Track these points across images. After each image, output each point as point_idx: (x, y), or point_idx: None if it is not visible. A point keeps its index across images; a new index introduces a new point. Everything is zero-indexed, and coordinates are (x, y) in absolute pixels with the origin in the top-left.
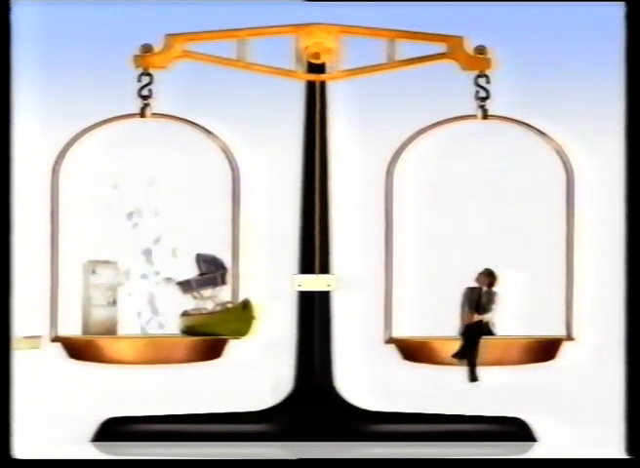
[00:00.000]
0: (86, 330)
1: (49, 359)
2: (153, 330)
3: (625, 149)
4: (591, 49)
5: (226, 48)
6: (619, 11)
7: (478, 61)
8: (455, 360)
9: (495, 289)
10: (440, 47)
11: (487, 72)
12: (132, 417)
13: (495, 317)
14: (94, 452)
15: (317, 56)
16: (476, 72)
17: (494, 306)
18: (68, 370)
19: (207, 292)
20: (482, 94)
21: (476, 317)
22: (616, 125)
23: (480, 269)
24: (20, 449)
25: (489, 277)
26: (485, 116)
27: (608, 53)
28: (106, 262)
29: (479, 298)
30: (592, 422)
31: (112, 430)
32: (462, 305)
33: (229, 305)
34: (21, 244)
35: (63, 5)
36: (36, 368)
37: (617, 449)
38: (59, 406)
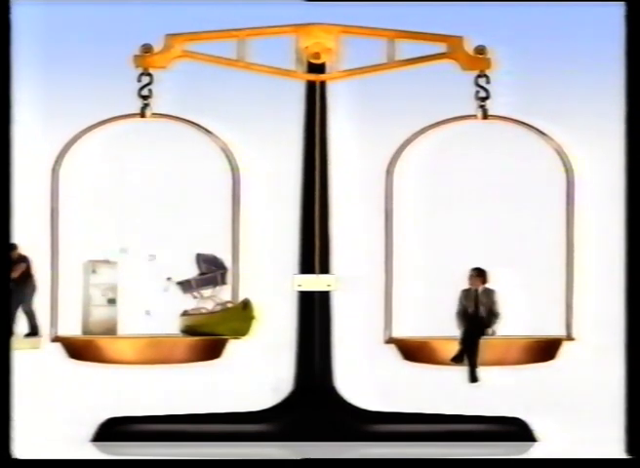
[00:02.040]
0: (86, 330)
1: (49, 359)
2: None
3: (625, 149)
4: (591, 49)
5: (226, 48)
6: (619, 11)
7: (478, 61)
8: (453, 363)
9: (490, 286)
10: (440, 47)
11: (487, 72)
12: (132, 417)
13: (500, 312)
14: (94, 452)
15: (317, 56)
16: (476, 72)
17: (495, 301)
18: (68, 371)
19: (207, 291)
20: (482, 94)
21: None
22: (616, 125)
23: (470, 271)
24: (20, 449)
25: (480, 276)
26: (485, 116)
27: (608, 53)
28: (106, 262)
29: (476, 299)
30: (592, 422)
31: (112, 430)
32: (459, 307)
33: (229, 305)
34: (21, 244)
35: (63, 5)
36: (36, 368)
37: (617, 449)
38: (59, 406)
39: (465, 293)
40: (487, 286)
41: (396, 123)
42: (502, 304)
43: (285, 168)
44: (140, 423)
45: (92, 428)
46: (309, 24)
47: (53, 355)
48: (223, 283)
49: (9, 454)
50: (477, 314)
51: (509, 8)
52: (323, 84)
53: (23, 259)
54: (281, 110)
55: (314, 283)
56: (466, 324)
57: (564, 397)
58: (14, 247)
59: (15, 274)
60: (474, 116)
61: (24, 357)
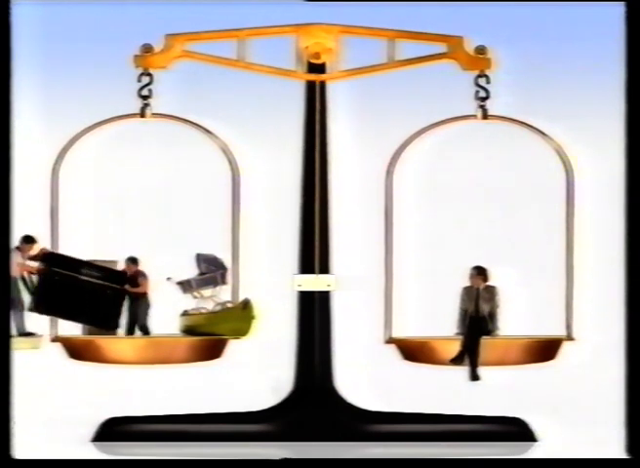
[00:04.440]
0: (86, 329)
1: (49, 359)
2: None
3: (625, 149)
4: (591, 49)
5: (226, 48)
6: (619, 11)
7: (478, 61)
8: (453, 365)
9: (491, 283)
10: (440, 47)
11: (487, 72)
12: (132, 417)
13: (500, 310)
14: (94, 452)
15: (317, 56)
16: (476, 72)
17: (497, 299)
18: (68, 371)
19: (207, 291)
20: (482, 94)
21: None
22: (616, 125)
23: (470, 270)
24: (20, 449)
25: (481, 274)
26: (485, 116)
27: (608, 53)
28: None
29: (477, 298)
30: (592, 422)
31: (112, 430)
32: (461, 306)
33: (229, 305)
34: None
35: (63, 5)
36: (36, 368)
37: (617, 449)
38: (59, 406)
39: (467, 291)
40: (488, 283)
41: (396, 123)
42: (503, 304)
43: (285, 168)
44: (140, 423)
45: (92, 428)
46: (309, 24)
47: (53, 355)
48: (223, 283)
49: (9, 454)
50: (478, 313)
51: (509, 8)
52: (323, 84)
53: (144, 276)
54: (281, 110)
55: (314, 283)
56: (468, 323)
57: (564, 397)
58: (135, 261)
59: (142, 289)
60: (474, 116)
61: (24, 357)
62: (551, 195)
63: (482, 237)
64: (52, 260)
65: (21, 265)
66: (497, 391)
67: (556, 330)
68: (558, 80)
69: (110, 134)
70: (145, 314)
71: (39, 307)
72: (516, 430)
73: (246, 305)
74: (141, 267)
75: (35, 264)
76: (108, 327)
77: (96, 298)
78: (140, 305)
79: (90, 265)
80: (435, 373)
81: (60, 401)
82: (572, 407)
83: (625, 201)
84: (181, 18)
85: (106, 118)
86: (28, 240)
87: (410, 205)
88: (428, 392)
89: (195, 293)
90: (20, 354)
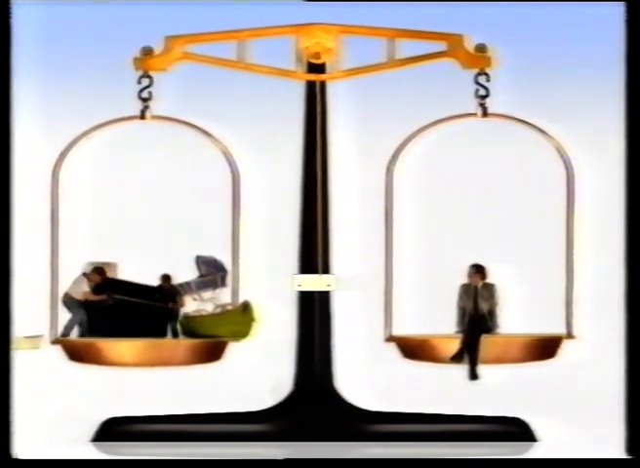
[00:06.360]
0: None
1: (49, 359)
2: None
3: (625, 149)
4: (591, 49)
5: (227, 49)
6: (619, 11)
7: (478, 60)
8: (453, 363)
9: (490, 281)
10: (440, 45)
11: (487, 70)
12: (132, 417)
13: (499, 308)
14: (94, 452)
15: (317, 56)
16: (476, 70)
17: (497, 297)
18: (69, 370)
19: (207, 294)
20: (482, 92)
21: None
22: (616, 125)
23: (468, 268)
24: (21, 449)
25: (479, 272)
26: (485, 114)
27: (608, 53)
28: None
29: (475, 296)
30: (592, 422)
31: (112, 430)
32: (459, 303)
33: (229, 307)
34: (22, 245)
35: (63, 5)
36: (37, 368)
37: (617, 449)
38: (59, 406)
39: (465, 289)
40: (487, 281)
41: (396, 122)
42: (503, 302)
43: (285, 168)
44: (140, 423)
45: (92, 428)
46: (309, 24)
47: (53, 355)
48: (223, 285)
49: (9, 454)
50: (477, 311)
51: (509, 7)
52: (323, 84)
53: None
54: (281, 110)
55: (314, 283)
56: (467, 321)
57: (564, 396)
58: (169, 277)
59: (180, 305)
60: (474, 114)
61: (24, 357)
62: (551, 193)
63: (482, 234)
64: (110, 288)
65: (86, 294)
66: (497, 390)
67: (556, 327)
68: (558, 79)
69: (110, 136)
70: (177, 322)
71: (94, 333)
72: (516, 430)
73: (246, 308)
74: (141, 270)
75: (87, 290)
76: None
77: (145, 318)
78: (175, 316)
79: (141, 287)
80: (435, 372)
81: (60, 401)
82: (572, 406)
83: (625, 199)
84: (181, 19)
85: (106, 120)
86: (98, 271)
87: (410, 204)
88: (428, 391)
89: (195, 296)
90: (21, 354)
